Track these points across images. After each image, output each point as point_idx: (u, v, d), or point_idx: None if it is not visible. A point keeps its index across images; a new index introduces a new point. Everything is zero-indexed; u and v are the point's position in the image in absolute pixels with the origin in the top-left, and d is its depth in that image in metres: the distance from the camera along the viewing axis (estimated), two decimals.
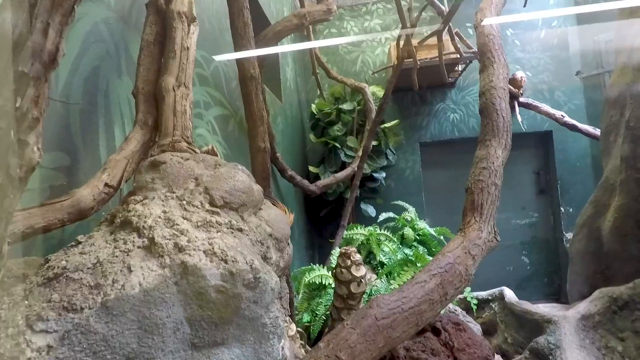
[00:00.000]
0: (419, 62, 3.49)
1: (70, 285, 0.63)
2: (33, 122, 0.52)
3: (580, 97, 4.26)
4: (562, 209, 4.19)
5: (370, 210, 4.06)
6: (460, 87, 4.42)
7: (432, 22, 4.31)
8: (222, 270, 0.69)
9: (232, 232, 0.81)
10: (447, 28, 3.42)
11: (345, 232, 3.44)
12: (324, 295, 2.77)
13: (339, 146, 3.90)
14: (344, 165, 3.89)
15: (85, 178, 1.30)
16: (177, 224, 0.76)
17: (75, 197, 0.97)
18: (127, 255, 0.70)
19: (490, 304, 3.40)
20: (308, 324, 2.53)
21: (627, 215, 2.69)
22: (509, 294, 3.20)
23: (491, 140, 1.47)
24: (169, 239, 0.72)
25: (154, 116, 1.24)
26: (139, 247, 0.72)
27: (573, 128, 3.87)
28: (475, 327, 2.37)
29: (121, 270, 0.66)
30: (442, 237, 3.49)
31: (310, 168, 4.06)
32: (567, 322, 2.52)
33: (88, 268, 0.67)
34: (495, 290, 3.35)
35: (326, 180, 3.56)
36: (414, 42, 3.38)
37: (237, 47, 1.97)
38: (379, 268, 3.13)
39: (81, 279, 0.64)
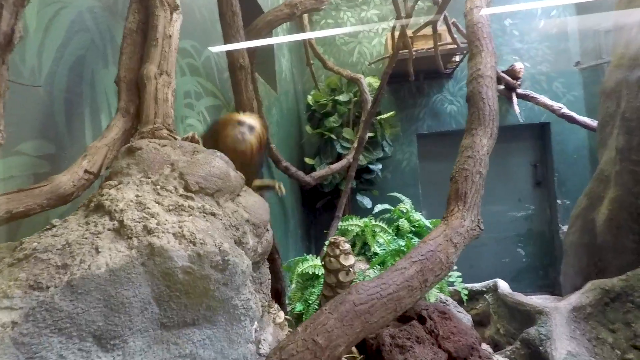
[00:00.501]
0: (414, 53, 3.47)
1: (38, 265, 0.65)
2: None
3: (579, 89, 4.23)
4: (558, 201, 4.18)
5: (366, 202, 4.07)
6: (457, 78, 4.39)
7: (430, 12, 4.27)
8: (190, 252, 0.70)
9: (205, 216, 0.82)
10: (444, 18, 3.39)
11: (341, 223, 3.45)
12: (316, 285, 2.78)
13: (335, 137, 3.90)
14: (340, 157, 3.90)
15: (71, 162, 1.31)
16: (148, 208, 0.77)
17: (54, 183, 0.98)
18: (97, 237, 0.71)
19: (485, 295, 3.42)
20: (300, 313, 2.56)
21: (621, 207, 2.68)
22: (503, 285, 3.21)
23: (477, 129, 1.47)
24: (139, 222, 0.73)
25: (136, 104, 1.24)
26: (109, 229, 0.73)
27: (571, 120, 3.85)
28: (466, 318, 2.39)
29: (89, 251, 0.67)
30: None
31: (306, 159, 4.07)
32: (558, 314, 2.54)
33: (57, 249, 0.68)
34: (490, 282, 3.37)
35: (321, 171, 3.57)
36: (409, 32, 3.35)
37: (226, 37, 1.96)
38: (373, 259, 3.15)
39: (49, 259, 0.66)
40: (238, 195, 1.02)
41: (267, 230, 1.07)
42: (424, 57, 3.72)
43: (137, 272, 0.66)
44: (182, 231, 0.73)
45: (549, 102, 3.99)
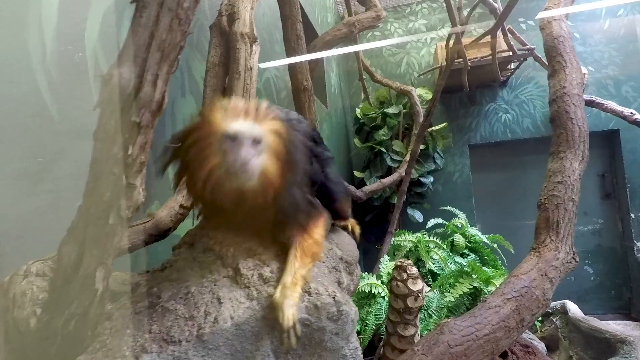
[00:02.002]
0: (469, 63, 3.34)
1: (167, 316, 0.66)
2: (140, 166, 0.55)
3: None
4: (631, 215, 3.83)
5: (418, 216, 3.96)
6: (513, 86, 4.19)
7: (481, 19, 4.12)
8: (307, 304, 0.69)
9: None
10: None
11: (393, 238, 3.38)
12: (373, 304, 2.72)
13: (385, 150, 3.84)
14: (389, 170, 3.83)
15: (155, 195, 1.36)
16: (258, 253, 0.77)
17: (156, 219, 1.03)
18: (215, 285, 0.72)
19: (551, 317, 3.19)
20: (358, 334, 2.51)
21: None
22: (573, 308, 2.98)
23: (566, 152, 1.36)
24: (253, 269, 0.73)
25: None
26: (224, 276, 0.73)
27: None
28: (540, 346, 2.23)
29: (211, 301, 0.68)
30: (495, 245, 3.33)
31: (356, 173, 4.03)
32: None
33: (180, 298, 0.70)
34: (557, 303, 3.14)
35: (373, 185, 3.51)
36: (466, 41, 3.24)
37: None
38: (428, 276, 3.05)
39: (176, 309, 0.67)
40: (328, 231, 1.01)
41: (357, 266, 1.05)
42: (475, 65, 3.58)
43: (259, 325, 0.66)
44: None
45: (618, 107, 3.69)
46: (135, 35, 0.50)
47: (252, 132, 0.70)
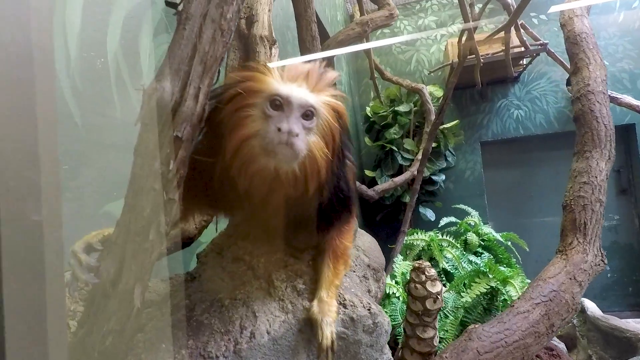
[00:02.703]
0: (482, 59, 3.29)
1: (202, 330, 0.65)
2: (180, 180, 0.54)
3: None
4: None
5: (430, 214, 3.93)
6: (525, 81, 4.13)
7: (492, 14, 4.06)
8: (343, 316, 0.68)
9: None
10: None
11: (405, 237, 3.35)
12: (387, 305, 2.70)
13: (396, 149, 3.81)
14: (401, 169, 3.80)
15: None
16: (290, 264, 0.76)
17: (182, 226, 1.02)
18: (248, 297, 0.71)
19: None
20: None
21: None
22: (591, 306, 2.93)
23: (591, 151, 1.33)
24: (286, 281, 0.72)
25: None
26: (257, 288, 0.73)
27: None
28: (560, 346, 2.19)
29: (246, 315, 0.67)
30: (509, 243, 3.29)
31: (367, 172, 4.01)
32: None
33: (214, 310, 0.69)
34: None
35: (385, 184, 3.49)
36: (480, 37, 3.20)
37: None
38: (442, 275, 3.02)
39: (211, 323, 0.66)
40: (354, 237, 1.00)
41: (383, 272, 1.03)
42: (487, 61, 3.53)
43: (296, 339, 0.65)
44: None
45: (634, 102, 3.62)
46: (177, 47, 0.49)
47: (308, 101, 0.58)
